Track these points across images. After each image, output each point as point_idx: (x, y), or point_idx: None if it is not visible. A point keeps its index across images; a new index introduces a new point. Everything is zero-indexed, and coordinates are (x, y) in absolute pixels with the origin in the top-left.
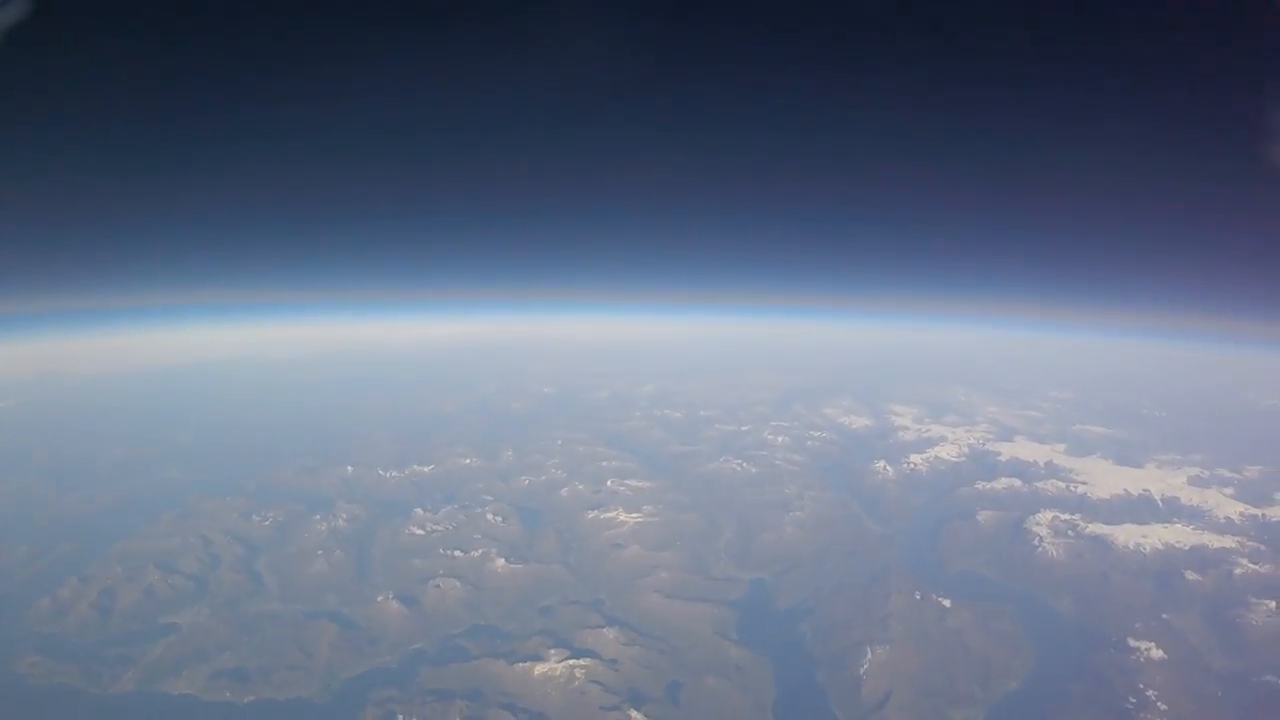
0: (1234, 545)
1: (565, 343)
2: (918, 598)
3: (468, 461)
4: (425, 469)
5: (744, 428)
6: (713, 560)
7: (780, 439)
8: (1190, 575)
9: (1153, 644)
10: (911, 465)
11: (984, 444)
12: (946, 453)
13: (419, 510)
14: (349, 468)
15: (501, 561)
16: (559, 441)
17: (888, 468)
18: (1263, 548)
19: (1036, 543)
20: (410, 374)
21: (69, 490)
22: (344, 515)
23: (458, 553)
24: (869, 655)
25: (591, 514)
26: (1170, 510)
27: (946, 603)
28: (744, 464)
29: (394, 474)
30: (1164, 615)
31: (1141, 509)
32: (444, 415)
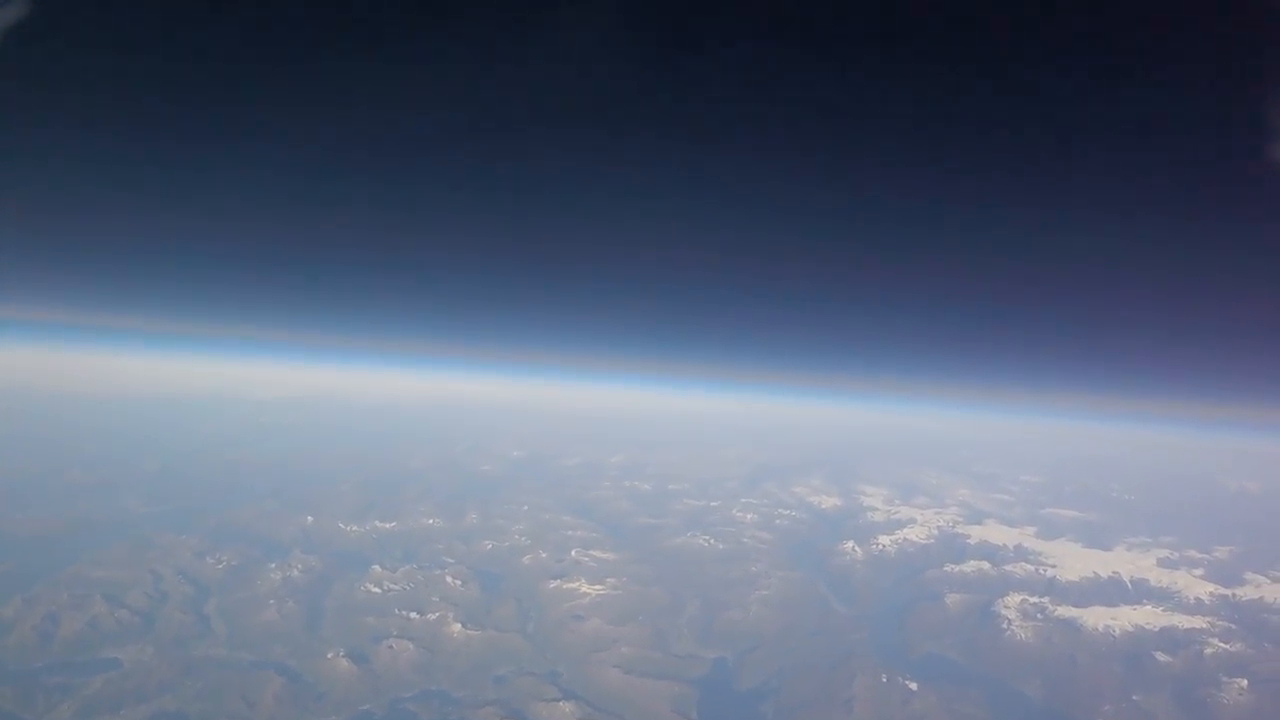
0: (1204, 625)
1: (540, 406)
2: (883, 680)
3: (431, 521)
4: (387, 525)
5: (713, 503)
6: (675, 636)
7: (749, 516)
8: (1160, 656)
9: None
10: (880, 546)
11: (954, 526)
12: (916, 534)
13: (377, 567)
14: (309, 517)
15: (458, 626)
16: (525, 507)
17: (856, 548)
18: (1233, 627)
19: (1005, 625)
20: (383, 425)
21: (23, 507)
22: (299, 565)
23: (413, 614)
24: None
25: (553, 583)
26: (1140, 592)
27: (913, 685)
28: (711, 540)
29: (354, 527)
30: (1134, 696)
31: (1111, 591)
32: (411, 471)
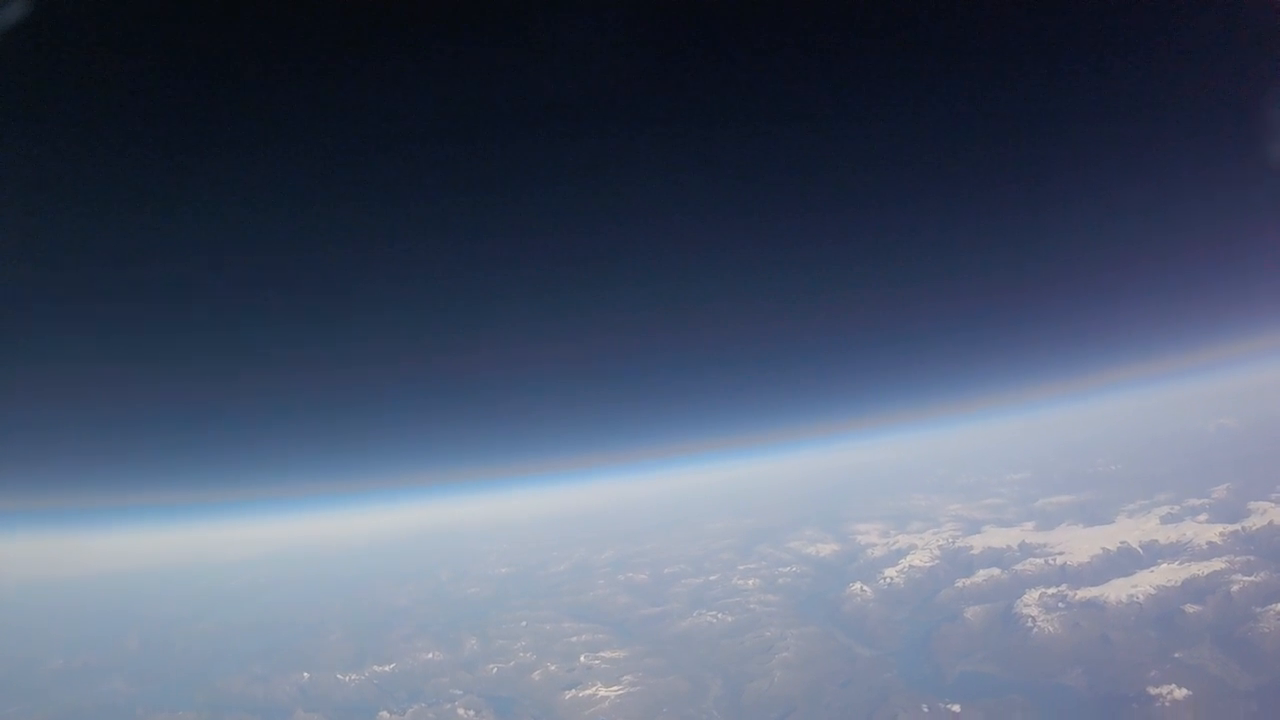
0: (1223, 566)
1: (515, 519)
2: (925, 711)
3: (430, 655)
4: (385, 668)
5: (712, 577)
6: None
7: (751, 582)
8: (1190, 608)
9: (1173, 686)
10: (888, 580)
11: (954, 542)
12: (919, 560)
13: (384, 713)
14: (305, 674)
15: None
16: (523, 622)
17: (864, 588)
18: (1252, 559)
19: (1030, 624)
20: (360, 568)
21: (5, 704)
22: None
23: None
24: None
25: (569, 694)
26: (1152, 554)
27: (956, 708)
28: (718, 615)
29: (353, 677)
30: (1176, 655)
31: (1124, 562)
32: (399, 608)
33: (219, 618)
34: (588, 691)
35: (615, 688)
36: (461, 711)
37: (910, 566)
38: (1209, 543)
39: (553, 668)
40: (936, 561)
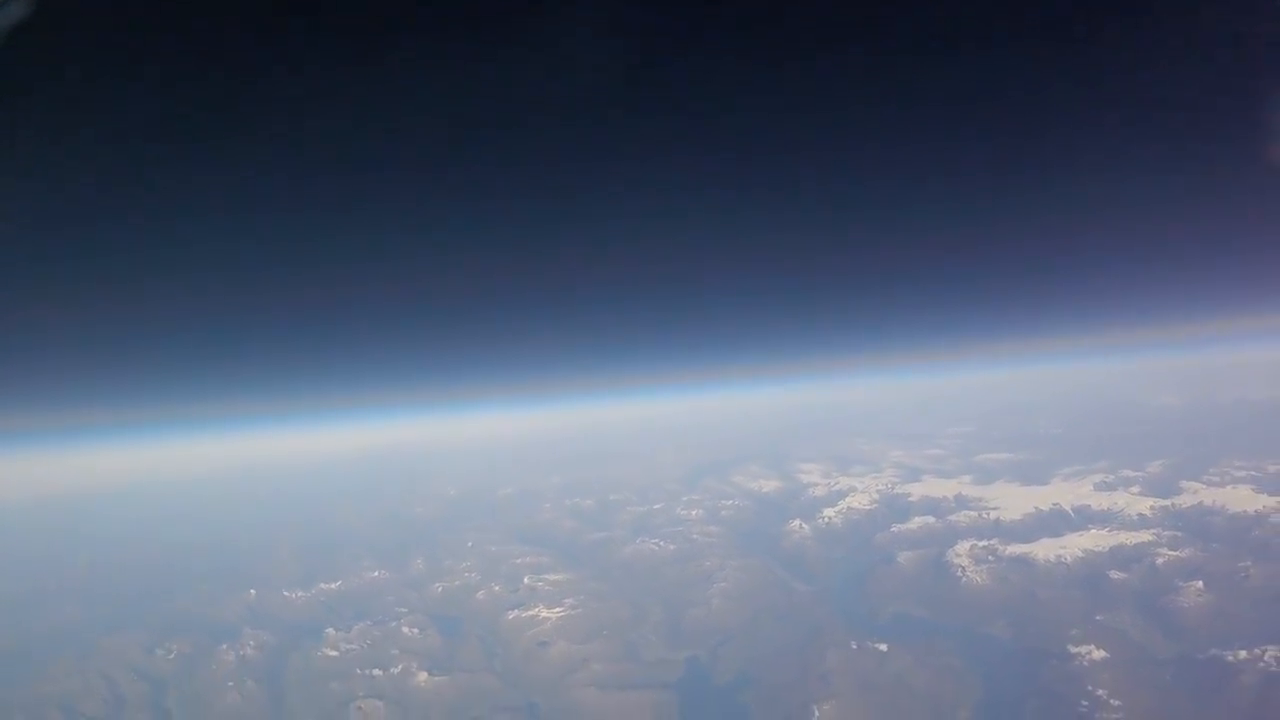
0: (1151, 538)
1: (466, 442)
2: (855, 648)
3: (376, 574)
4: (332, 586)
5: (657, 506)
6: (644, 645)
7: (694, 513)
8: (1115, 574)
9: (1093, 646)
10: (827, 520)
11: (893, 488)
12: (858, 502)
13: (330, 630)
14: (252, 591)
15: (424, 675)
16: (469, 543)
17: (804, 526)
18: (1179, 534)
19: (960, 574)
20: (308, 487)
21: None
22: (251, 643)
23: (376, 671)
24: (816, 714)
25: (512, 614)
26: (1083, 518)
27: (884, 648)
28: (662, 543)
29: (300, 594)
30: (1098, 617)
31: (1055, 522)
32: (347, 528)
33: (168, 537)
34: (530, 613)
35: (557, 610)
36: (406, 630)
37: (849, 508)
38: (1139, 514)
39: (497, 588)
40: (875, 505)
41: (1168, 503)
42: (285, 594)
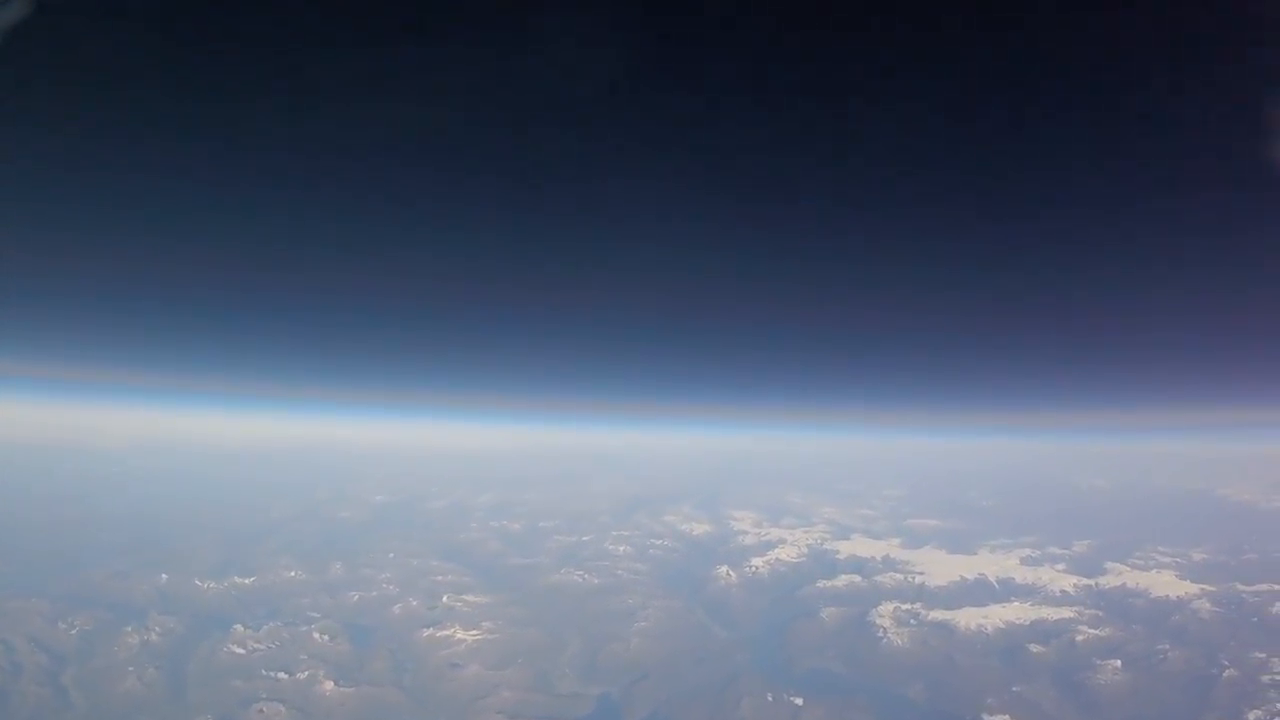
0: (1072, 615)
1: (401, 448)
2: (769, 699)
3: (293, 574)
4: (247, 581)
5: (585, 538)
6: (557, 676)
7: (623, 548)
8: (1034, 647)
9: (1007, 716)
10: (754, 568)
11: (823, 543)
12: (787, 554)
13: (239, 626)
14: (164, 575)
15: (330, 684)
16: (391, 554)
17: (730, 572)
18: (1100, 614)
19: (881, 634)
20: (238, 473)
21: None
22: (158, 628)
23: (282, 674)
24: None
25: (427, 632)
26: (1007, 590)
27: (799, 701)
28: (586, 575)
29: (213, 585)
30: (1014, 688)
31: (979, 592)
32: (271, 521)
33: (83, 507)
34: (446, 632)
35: (474, 632)
36: (317, 635)
37: (777, 559)
38: (1063, 591)
39: (414, 603)
40: (803, 559)
41: (1091, 582)
42: (198, 582)
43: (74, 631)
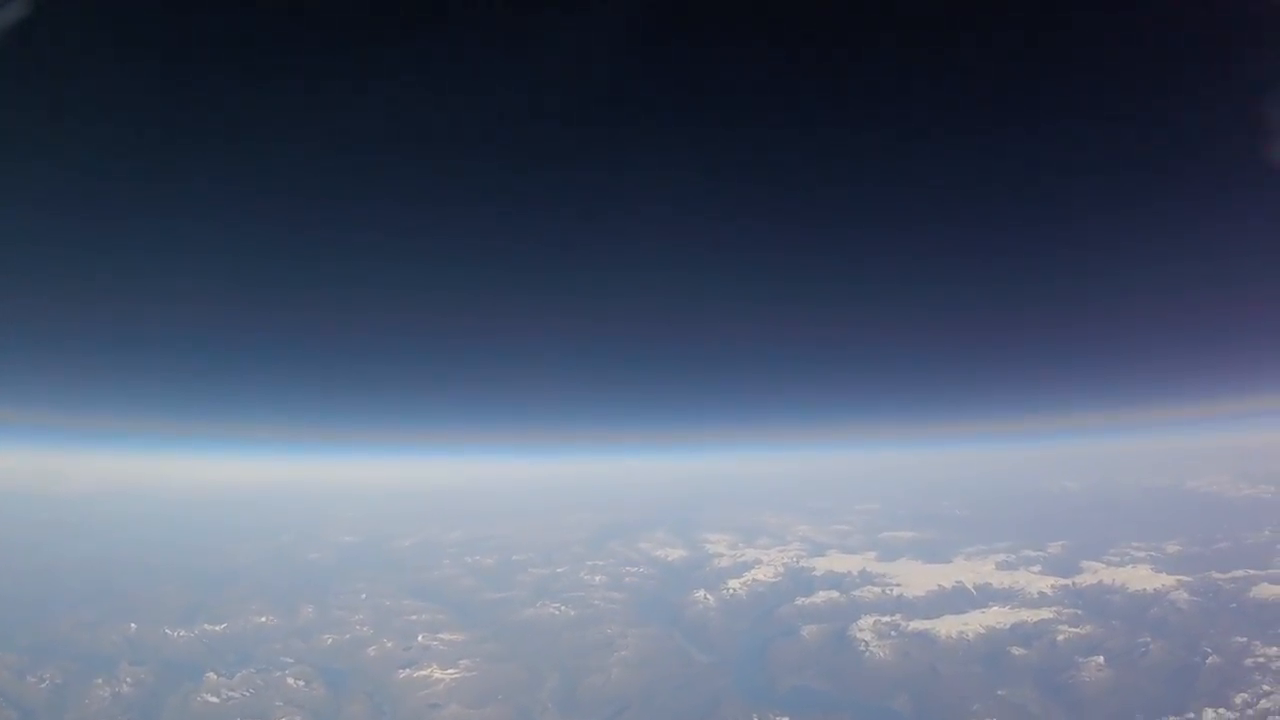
0: (1051, 615)
1: (368, 487)
2: None
3: (264, 619)
4: (217, 627)
5: (559, 569)
6: (538, 711)
7: (598, 578)
8: (1016, 650)
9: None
10: (731, 591)
11: (798, 561)
12: (763, 574)
13: (211, 674)
14: (133, 624)
15: None
16: (363, 595)
17: (708, 596)
18: (1079, 612)
19: (862, 648)
20: (202, 517)
21: None
22: (129, 679)
23: None
24: None
25: (403, 673)
26: (985, 596)
27: None
28: (562, 607)
29: (183, 633)
30: (999, 692)
31: (957, 600)
32: (238, 566)
33: (47, 556)
34: (423, 672)
35: (451, 671)
36: (291, 681)
37: (754, 580)
38: (1040, 592)
39: (389, 644)
40: (780, 578)
41: (1068, 581)
42: (167, 630)
43: (44, 685)
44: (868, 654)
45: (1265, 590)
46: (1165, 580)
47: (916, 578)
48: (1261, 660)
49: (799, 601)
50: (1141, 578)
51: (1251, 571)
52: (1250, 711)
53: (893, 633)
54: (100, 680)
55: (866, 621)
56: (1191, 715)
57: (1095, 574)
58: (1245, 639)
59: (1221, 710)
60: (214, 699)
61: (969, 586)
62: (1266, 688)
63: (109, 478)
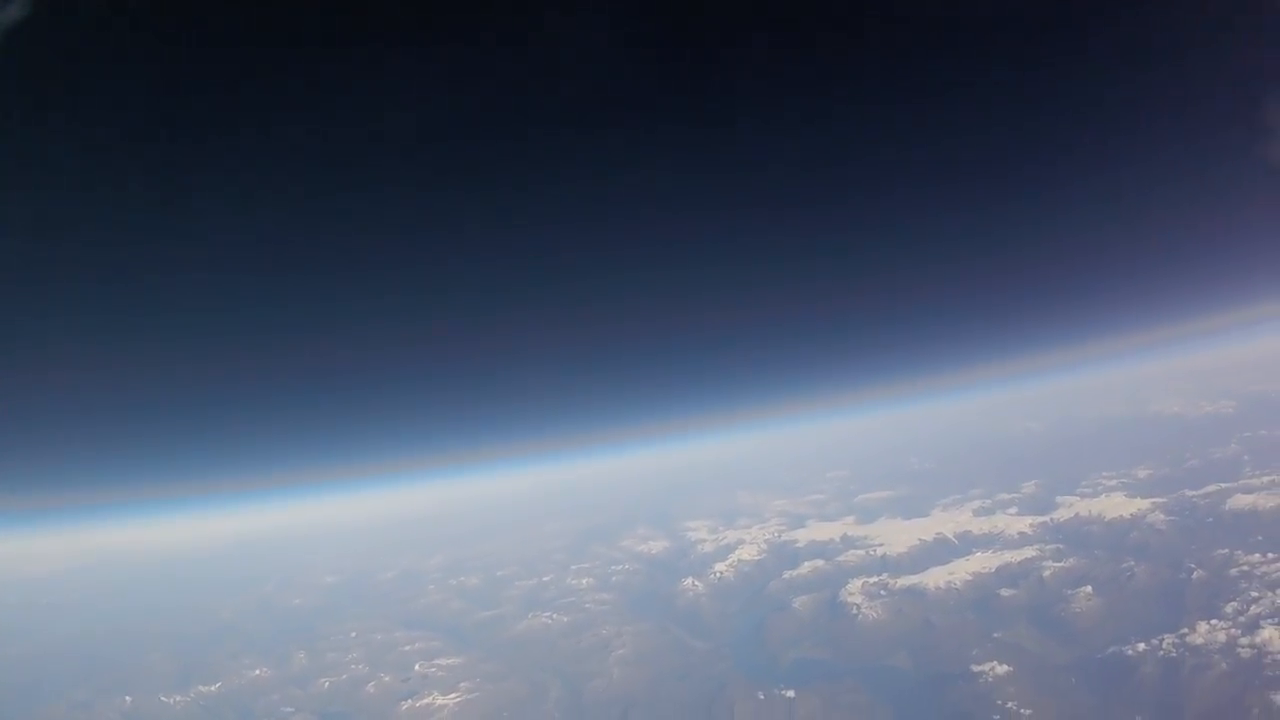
0: (1035, 553)
1: (338, 526)
2: (762, 699)
3: (257, 672)
4: (211, 688)
5: (546, 578)
6: None
7: (585, 581)
8: (1005, 592)
9: (995, 663)
10: (718, 574)
11: (780, 536)
12: (748, 554)
13: None
14: (127, 697)
15: None
16: (353, 633)
17: (696, 583)
18: (1062, 547)
19: (855, 611)
20: (180, 578)
21: None
22: None
23: None
24: None
25: (406, 705)
26: (967, 544)
27: (791, 694)
28: (554, 615)
29: (179, 699)
30: (995, 635)
31: (940, 551)
32: (223, 623)
33: (33, 638)
34: (425, 701)
35: (453, 695)
36: None
37: (739, 561)
38: (1020, 533)
39: (387, 679)
40: (764, 555)
41: (1046, 519)
42: (163, 698)
43: None
44: (861, 617)
45: (1239, 501)
46: (1140, 505)
47: (897, 535)
48: (1245, 568)
49: (786, 575)
50: (1117, 505)
51: (1224, 485)
52: (1243, 618)
53: (882, 592)
54: None
55: (855, 585)
56: (1185, 630)
57: (1071, 508)
58: (1227, 550)
59: (1215, 621)
60: None
61: (950, 537)
62: (1255, 594)
63: (79, 551)
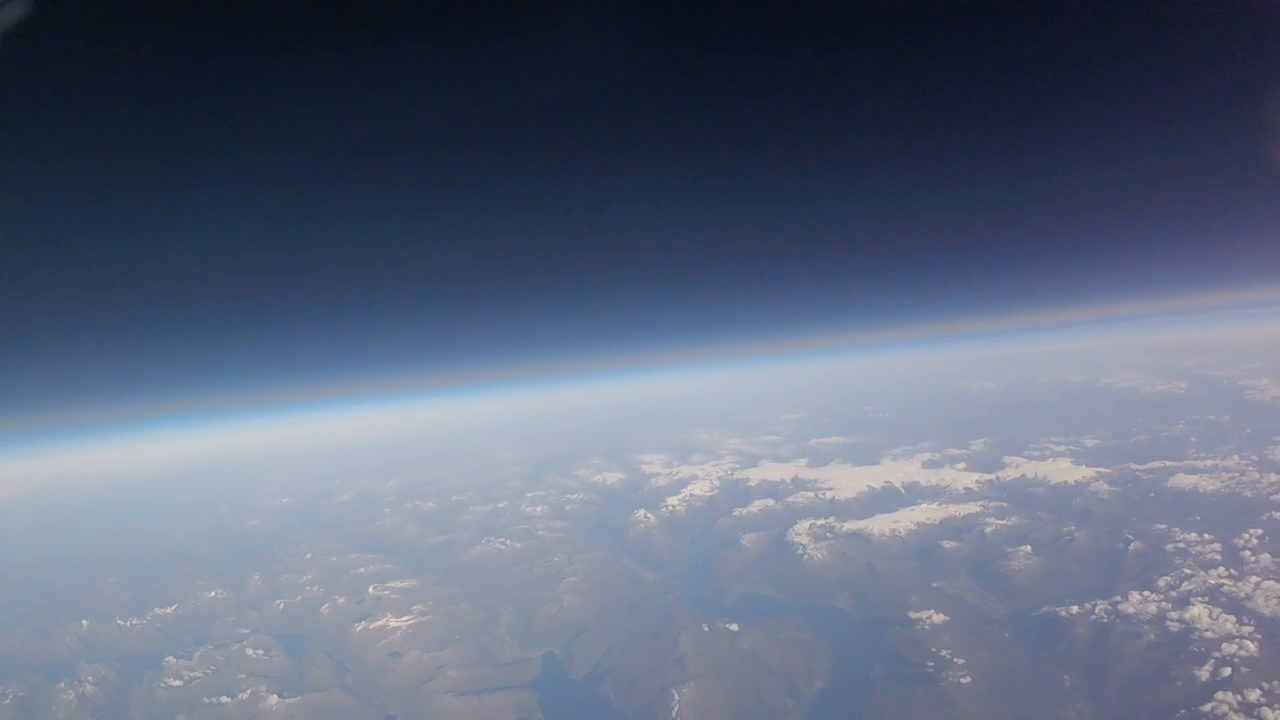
0: (978, 509)
1: (294, 449)
2: (706, 631)
3: (213, 594)
4: (168, 611)
5: (500, 505)
6: (498, 646)
7: (539, 509)
8: (947, 544)
9: (932, 611)
10: (670, 508)
11: (733, 474)
12: (700, 490)
13: (171, 659)
14: (84, 623)
15: (274, 699)
16: (308, 555)
17: (649, 516)
18: (1005, 505)
19: (801, 552)
20: (133, 502)
21: None
22: (90, 678)
23: (224, 698)
24: (676, 698)
25: (360, 626)
26: (914, 494)
27: (734, 628)
28: (508, 541)
29: (135, 622)
30: (935, 584)
31: (888, 499)
32: (177, 546)
33: None
34: (379, 623)
35: (406, 618)
36: (251, 651)
37: (692, 496)
38: (966, 488)
39: (341, 601)
40: (716, 492)
41: (992, 477)
42: (119, 622)
43: (8, 700)
44: (806, 557)
45: (1182, 480)
46: (1086, 472)
47: (847, 481)
48: (1182, 545)
49: (737, 513)
50: (1063, 470)
51: (1168, 463)
52: (1174, 593)
53: (829, 535)
54: (62, 685)
55: (803, 526)
56: (1118, 598)
57: (1018, 469)
58: (1165, 526)
59: (1147, 593)
60: (177, 682)
61: (898, 486)
62: (1188, 571)
63: (30, 478)
